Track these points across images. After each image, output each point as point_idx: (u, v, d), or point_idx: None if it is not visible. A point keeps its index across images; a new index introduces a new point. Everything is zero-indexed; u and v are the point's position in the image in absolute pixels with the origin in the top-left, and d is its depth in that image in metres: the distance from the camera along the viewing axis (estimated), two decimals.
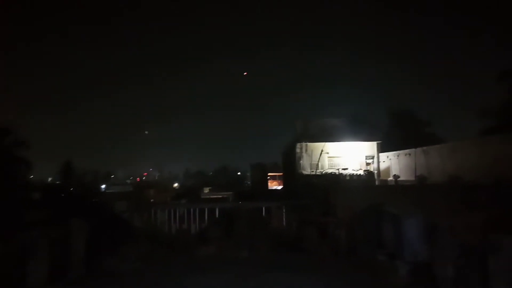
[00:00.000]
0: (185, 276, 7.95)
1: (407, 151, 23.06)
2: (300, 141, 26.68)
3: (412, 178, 20.15)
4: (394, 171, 23.86)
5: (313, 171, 24.93)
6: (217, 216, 11.82)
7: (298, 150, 26.63)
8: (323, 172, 24.20)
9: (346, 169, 24.91)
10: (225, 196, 36.55)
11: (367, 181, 22.61)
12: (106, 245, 9.21)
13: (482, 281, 5.67)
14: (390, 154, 25.73)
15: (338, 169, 24.94)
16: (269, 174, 44.48)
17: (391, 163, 25.52)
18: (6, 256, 6.20)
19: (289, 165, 29.81)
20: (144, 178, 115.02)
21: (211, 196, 40.58)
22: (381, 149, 27.31)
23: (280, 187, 41.54)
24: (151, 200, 29.52)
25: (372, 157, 27.12)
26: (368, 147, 27.31)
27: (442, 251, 6.39)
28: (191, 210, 11.99)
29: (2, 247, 6.25)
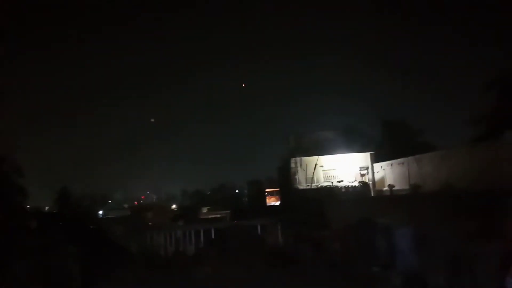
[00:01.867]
0: None
1: (400, 160, 23.17)
2: (294, 156, 26.81)
3: (406, 186, 20.23)
4: (389, 180, 23.95)
5: (308, 185, 24.99)
6: (213, 236, 11.88)
7: (292, 165, 26.72)
8: (319, 186, 24.32)
9: (341, 181, 25.01)
10: (223, 215, 36.39)
11: (362, 192, 22.72)
12: (103, 270, 9.26)
13: (471, 287, 5.76)
14: (384, 164, 25.83)
15: (333, 182, 25.07)
16: (267, 190, 44.34)
17: (385, 173, 25.61)
18: (5, 283, 6.26)
19: (285, 180, 29.84)
20: (142, 201, 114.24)
21: (209, 216, 40.41)
22: (375, 159, 27.41)
23: (278, 203, 41.44)
24: (149, 223, 29.41)
25: (366, 168, 27.22)
26: (362, 158, 27.44)
27: (433, 260, 6.49)
28: (187, 232, 12.07)
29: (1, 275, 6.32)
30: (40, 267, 6.88)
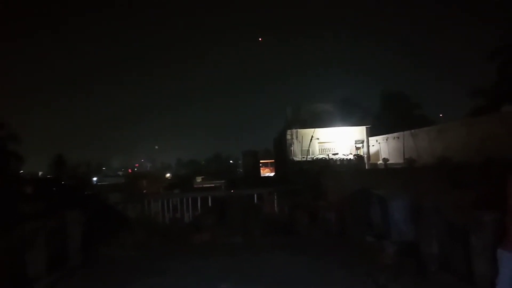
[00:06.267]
0: (182, 262, 8.16)
1: (395, 134, 23.38)
2: (291, 128, 26.93)
3: (401, 161, 20.48)
4: (384, 154, 24.24)
5: (304, 157, 25.20)
6: (210, 204, 12.02)
7: (288, 136, 26.88)
8: (314, 158, 24.50)
9: (337, 154, 25.25)
10: (217, 184, 36.70)
11: (357, 165, 22.95)
12: (102, 235, 9.39)
13: (464, 257, 5.92)
14: (379, 138, 26.08)
15: (328, 154, 25.28)
16: (261, 161, 44.68)
17: (380, 147, 25.89)
18: (7, 248, 6.35)
19: (280, 152, 30.05)
20: (136, 169, 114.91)
21: (204, 185, 40.73)
22: (371, 133, 27.66)
23: (272, 174, 41.86)
24: (144, 191, 29.64)
25: (362, 142, 27.46)
26: (357, 132, 27.64)
27: (427, 230, 6.65)
28: (184, 199, 12.19)
29: (3, 240, 6.40)
30: (42, 231, 6.96)
